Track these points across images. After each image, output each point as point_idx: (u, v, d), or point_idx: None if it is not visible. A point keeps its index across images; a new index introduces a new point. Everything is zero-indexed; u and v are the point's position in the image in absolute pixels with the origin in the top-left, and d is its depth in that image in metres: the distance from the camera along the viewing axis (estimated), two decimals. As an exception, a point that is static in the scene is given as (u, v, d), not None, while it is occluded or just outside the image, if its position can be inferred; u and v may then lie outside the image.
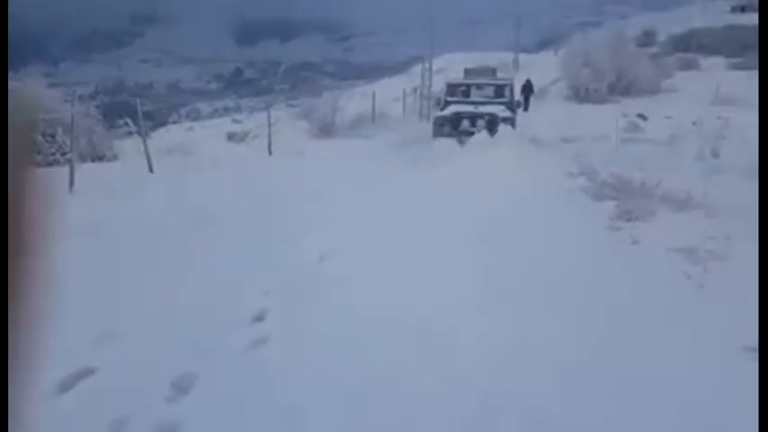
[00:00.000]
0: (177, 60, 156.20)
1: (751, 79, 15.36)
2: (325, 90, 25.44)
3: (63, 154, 9.45)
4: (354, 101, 24.48)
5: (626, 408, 2.73)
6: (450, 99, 12.29)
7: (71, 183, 7.57)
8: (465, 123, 10.94)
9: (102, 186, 7.44)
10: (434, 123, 11.35)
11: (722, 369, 3.03)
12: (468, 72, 13.58)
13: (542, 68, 29.68)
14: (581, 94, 22.42)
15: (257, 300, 4.14)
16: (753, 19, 26.99)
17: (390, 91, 27.30)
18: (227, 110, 68.32)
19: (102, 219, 5.77)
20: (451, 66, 31.72)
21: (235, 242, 5.40)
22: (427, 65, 20.51)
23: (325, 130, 16.73)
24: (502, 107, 11.41)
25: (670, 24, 36.59)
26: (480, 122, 10.83)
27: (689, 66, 26.87)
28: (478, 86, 12.91)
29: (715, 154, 8.93)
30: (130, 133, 13.75)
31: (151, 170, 9.30)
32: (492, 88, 12.64)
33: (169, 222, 5.73)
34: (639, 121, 15.40)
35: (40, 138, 10.16)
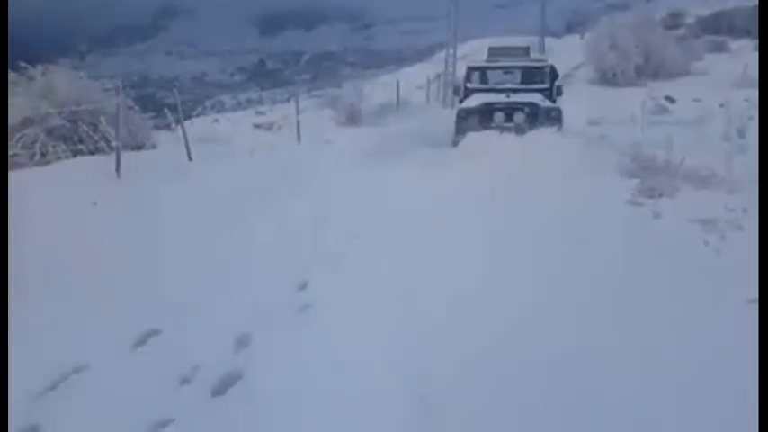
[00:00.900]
0: (201, 53, 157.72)
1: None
2: (347, 80, 25.77)
3: (107, 142, 9.94)
4: (377, 90, 24.75)
5: (649, 367, 2.97)
6: (472, 86, 10.12)
7: (117, 169, 8.01)
8: (498, 117, 9.03)
9: (146, 172, 7.89)
10: (458, 117, 9.28)
11: (729, 318, 3.33)
12: (492, 52, 10.74)
13: (568, 53, 29.39)
14: (608, 78, 22.24)
15: (301, 272, 4.47)
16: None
17: (413, 79, 27.44)
18: (249, 102, 68.94)
19: (150, 200, 6.20)
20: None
21: (274, 221, 5.75)
22: (451, 51, 20.56)
23: (352, 118, 17.07)
24: (539, 96, 9.43)
25: (698, 6, 35.81)
26: (519, 116, 8.98)
27: (718, 48, 26.39)
28: (507, 70, 10.65)
29: (741, 134, 8.96)
30: (167, 126, 14.32)
31: (190, 158, 9.76)
32: (522, 72, 10.43)
33: (211, 201, 6.14)
34: (667, 103, 15.31)
35: (83, 127, 10.70)
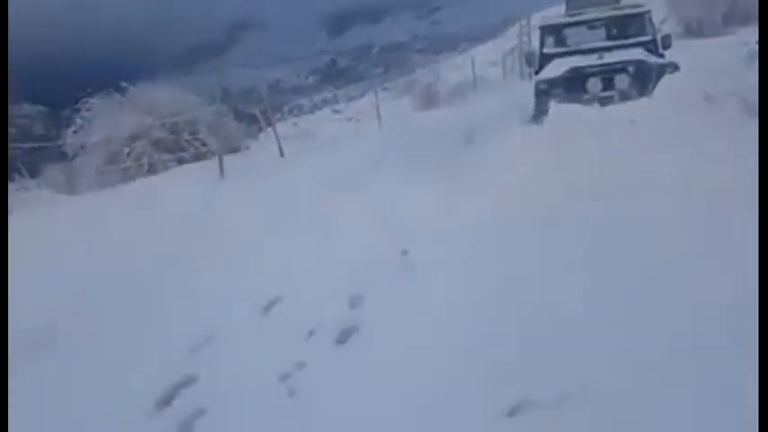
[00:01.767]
0: (275, 61, 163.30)
1: None
2: (419, 67, 25.82)
3: (207, 148, 10.86)
4: (452, 71, 24.60)
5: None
6: (549, 51, 8.13)
7: (221, 170, 8.73)
8: (593, 84, 7.05)
9: (246, 169, 8.56)
10: (537, 91, 7.35)
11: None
12: (572, 5, 8.50)
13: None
14: (693, 29, 20.84)
15: (402, 241, 4.68)
16: None
17: (488, 56, 27.06)
18: (326, 102, 70.58)
19: (254, 190, 6.77)
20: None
21: (370, 196, 6.04)
22: (524, 21, 20.06)
23: (429, 100, 17.21)
24: (641, 50, 7.38)
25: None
26: (622, 79, 6.94)
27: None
28: (591, 25, 8.40)
29: None
30: (254, 135, 15.34)
31: (282, 154, 10.43)
32: (613, 25, 8.38)
33: (309, 187, 6.57)
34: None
35: (184, 136, 11.74)
